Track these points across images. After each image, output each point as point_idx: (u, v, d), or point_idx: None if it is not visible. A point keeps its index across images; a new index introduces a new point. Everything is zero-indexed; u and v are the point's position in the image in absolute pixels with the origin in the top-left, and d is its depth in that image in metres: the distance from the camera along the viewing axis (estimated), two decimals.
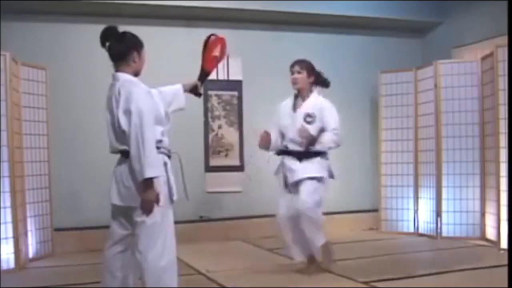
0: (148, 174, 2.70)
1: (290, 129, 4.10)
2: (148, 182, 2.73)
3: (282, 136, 4.20)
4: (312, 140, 4.01)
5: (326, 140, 4.02)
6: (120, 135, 2.82)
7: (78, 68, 5.54)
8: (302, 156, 4.06)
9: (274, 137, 4.18)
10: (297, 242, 4.13)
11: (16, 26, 5.35)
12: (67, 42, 5.53)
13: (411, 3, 6.34)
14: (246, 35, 6.08)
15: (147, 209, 2.77)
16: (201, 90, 3.38)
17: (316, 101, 4.14)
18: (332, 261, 4.19)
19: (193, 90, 3.35)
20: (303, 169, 4.03)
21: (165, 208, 2.88)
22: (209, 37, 3.38)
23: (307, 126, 4.02)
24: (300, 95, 4.19)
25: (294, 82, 4.14)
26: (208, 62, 3.37)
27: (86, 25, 5.40)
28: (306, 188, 3.99)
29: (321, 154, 4.09)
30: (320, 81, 4.23)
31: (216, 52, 3.38)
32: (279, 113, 4.25)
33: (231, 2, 5.69)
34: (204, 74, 3.36)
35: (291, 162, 4.09)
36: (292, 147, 4.11)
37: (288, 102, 4.25)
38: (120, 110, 2.78)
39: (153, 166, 2.73)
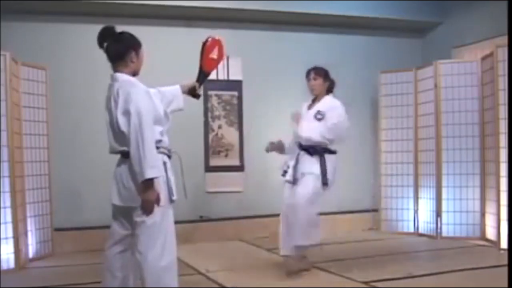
0: (148, 174, 2.70)
1: (303, 125, 4.29)
2: (149, 183, 2.73)
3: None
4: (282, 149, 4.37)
5: (311, 136, 4.19)
6: (119, 135, 2.82)
7: (78, 68, 5.54)
8: (315, 152, 4.20)
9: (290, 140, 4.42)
10: (286, 236, 4.19)
11: (16, 26, 5.35)
12: (67, 42, 5.54)
13: (411, 3, 6.34)
14: (246, 35, 6.09)
15: (148, 209, 2.77)
16: (200, 92, 3.38)
17: (329, 101, 4.37)
18: (305, 264, 4.26)
19: (192, 92, 3.34)
20: (305, 164, 4.19)
21: (165, 208, 2.87)
22: (206, 40, 3.37)
23: (316, 122, 4.22)
24: (316, 99, 4.42)
25: (312, 89, 4.38)
26: (206, 64, 3.36)
27: (86, 25, 5.39)
28: (303, 183, 4.13)
29: (331, 151, 4.25)
30: (333, 85, 4.47)
31: (214, 55, 3.38)
32: (302, 110, 4.46)
33: (231, 2, 5.70)
34: (202, 76, 3.36)
35: (305, 158, 4.23)
36: (306, 143, 4.27)
37: (306, 103, 4.49)
38: (119, 110, 2.78)
39: (153, 166, 2.72)
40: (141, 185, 2.74)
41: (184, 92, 3.30)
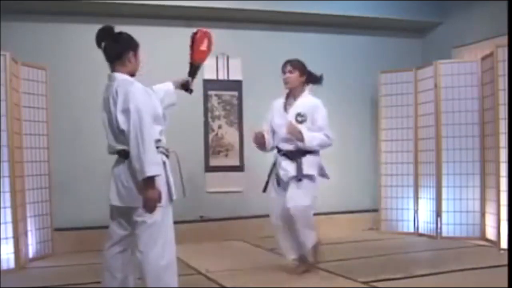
0: (149, 172, 2.70)
1: (281, 128, 4.10)
2: (150, 181, 2.73)
3: (274, 134, 4.22)
4: (301, 137, 3.99)
5: (312, 140, 4.01)
6: (119, 135, 2.82)
7: (78, 68, 5.54)
8: (294, 155, 4.07)
9: (268, 137, 4.21)
10: (288, 240, 4.15)
11: (16, 26, 5.35)
12: (67, 42, 5.53)
13: (411, 3, 6.34)
14: (246, 35, 6.09)
15: (150, 208, 2.77)
16: (193, 86, 3.42)
17: (307, 100, 4.17)
18: (318, 262, 4.23)
19: (184, 86, 3.38)
20: (293, 167, 4.04)
21: (165, 208, 2.88)
22: (195, 33, 3.44)
23: (299, 125, 4.03)
24: (291, 94, 4.21)
25: (286, 82, 4.16)
26: (197, 56, 3.41)
27: (86, 25, 5.37)
28: (295, 186, 4.02)
29: (312, 152, 4.09)
30: (312, 79, 4.26)
31: (204, 47, 3.44)
32: (272, 112, 4.28)
33: (231, 2, 5.70)
34: (193, 69, 3.41)
35: (284, 162, 4.10)
36: (284, 147, 4.12)
37: (280, 101, 4.27)
38: (118, 109, 2.78)
39: (154, 164, 2.73)
40: (142, 184, 2.74)
41: (176, 88, 3.33)
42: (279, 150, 4.17)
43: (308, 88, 4.25)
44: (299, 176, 4.01)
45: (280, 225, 4.17)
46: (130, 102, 2.75)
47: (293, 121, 4.05)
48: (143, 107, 2.75)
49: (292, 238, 4.11)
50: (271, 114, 4.26)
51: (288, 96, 4.23)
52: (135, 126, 2.71)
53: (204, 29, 3.48)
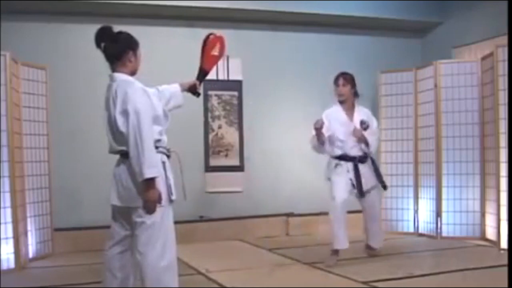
0: (147, 174, 2.70)
1: (348, 135, 4.45)
2: (150, 182, 2.73)
3: (331, 141, 4.49)
4: (367, 141, 4.45)
5: (373, 144, 4.53)
6: (118, 135, 2.82)
7: (78, 68, 5.54)
8: (364, 160, 4.50)
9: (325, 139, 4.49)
10: (344, 230, 4.44)
11: (16, 26, 5.35)
12: (67, 42, 5.53)
13: (411, 3, 6.34)
14: (246, 35, 6.09)
15: (150, 209, 2.77)
16: (200, 90, 3.38)
17: (363, 109, 4.65)
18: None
19: (192, 89, 3.34)
20: (370, 177, 4.52)
21: (165, 208, 2.87)
22: (208, 36, 3.38)
23: (363, 132, 4.45)
24: (346, 105, 4.56)
25: (341, 94, 4.52)
26: (208, 61, 3.36)
27: (86, 25, 5.37)
28: (375, 193, 4.62)
29: (372, 159, 4.59)
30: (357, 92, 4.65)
31: (215, 52, 3.38)
32: (329, 120, 4.46)
33: (232, 2, 5.70)
34: (203, 74, 3.36)
35: (361, 167, 4.47)
36: (354, 152, 4.47)
37: (335, 109, 4.57)
38: (117, 110, 2.78)
39: (152, 166, 2.72)
40: (142, 185, 2.74)
41: (184, 90, 3.30)
42: (348, 157, 4.46)
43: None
44: (383, 184, 4.59)
45: (341, 218, 4.42)
46: (128, 103, 2.74)
47: (359, 128, 4.45)
48: (142, 108, 2.75)
49: (370, 232, 4.71)
50: (328, 122, 4.45)
51: (343, 105, 4.56)
52: (134, 128, 2.71)
53: (218, 34, 3.41)
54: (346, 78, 4.51)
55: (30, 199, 4.89)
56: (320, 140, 4.36)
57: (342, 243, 4.46)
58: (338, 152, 4.47)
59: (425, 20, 6.51)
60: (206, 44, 3.35)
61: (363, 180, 4.44)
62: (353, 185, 4.44)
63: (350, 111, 4.56)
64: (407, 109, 6.04)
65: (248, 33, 6.13)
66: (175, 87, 3.28)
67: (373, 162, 4.59)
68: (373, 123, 4.61)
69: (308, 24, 6.33)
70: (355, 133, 4.43)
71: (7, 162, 4.49)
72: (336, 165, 4.48)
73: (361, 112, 4.59)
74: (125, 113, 2.75)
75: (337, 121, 4.50)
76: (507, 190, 4.74)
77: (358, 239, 5.70)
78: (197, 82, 3.33)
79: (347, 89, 4.50)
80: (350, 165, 4.45)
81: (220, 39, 3.40)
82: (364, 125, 4.44)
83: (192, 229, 5.69)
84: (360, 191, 4.45)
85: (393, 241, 5.66)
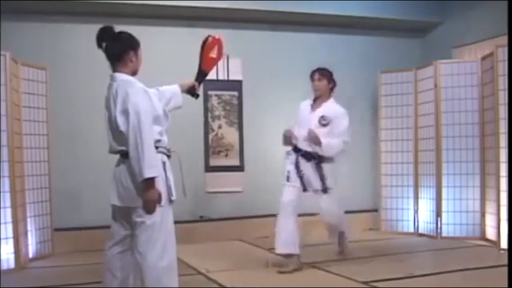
0: (147, 174, 2.70)
1: (304, 128, 4.30)
2: (150, 182, 2.73)
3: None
4: (319, 142, 4.21)
5: (329, 149, 4.24)
6: (118, 135, 2.82)
7: (78, 68, 5.54)
8: (311, 157, 4.29)
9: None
10: (288, 235, 4.25)
11: (16, 26, 5.35)
12: (67, 42, 5.53)
13: (411, 3, 6.33)
14: (246, 35, 6.09)
15: (150, 209, 2.77)
16: (199, 91, 3.38)
17: (333, 106, 4.43)
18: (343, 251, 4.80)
19: (190, 91, 3.34)
20: (314, 179, 4.28)
21: (164, 208, 2.87)
22: (206, 39, 3.39)
23: (321, 128, 4.27)
24: (319, 99, 4.46)
25: (316, 89, 4.44)
26: (206, 63, 3.37)
27: (86, 25, 5.38)
28: (326, 198, 4.35)
29: (329, 159, 4.33)
30: (335, 86, 4.55)
31: (213, 54, 3.39)
32: (299, 111, 4.50)
33: (232, 2, 5.70)
34: (201, 75, 3.37)
35: (305, 164, 4.30)
36: (304, 147, 4.31)
37: (308, 102, 4.52)
38: (117, 110, 2.78)
39: (152, 166, 2.72)
40: (142, 185, 2.74)
41: (183, 91, 3.31)
42: (298, 150, 4.34)
43: (334, 96, 4.52)
44: (324, 189, 4.32)
45: (286, 220, 4.25)
46: (129, 103, 2.74)
47: (316, 123, 4.29)
48: (142, 109, 2.75)
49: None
50: (298, 114, 4.48)
51: (316, 100, 4.48)
52: (134, 128, 2.71)
53: (217, 36, 3.42)
54: (322, 73, 4.44)
55: (30, 199, 4.89)
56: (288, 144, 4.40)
57: (282, 248, 4.27)
58: (294, 141, 4.39)
59: (425, 20, 6.51)
60: (205, 46, 3.37)
61: (304, 177, 4.28)
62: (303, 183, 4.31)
63: (319, 105, 4.43)
64: (407, 109, 6.04)
65: (248, 33, 6.13)
66: (175, 88, 3.29)
67: (319, 164, 4.29)
68: (341, 124, 4.32)
69: (308, 24, 6.32)
70: (307, 134, 4.24)
71: (7, 162, 4.49)
72: (288, 153, 4.43)
73: (328, 108, 4.38)
74: (125, 112, 2.75)
75: (302, 112, 4.47)
76: (507, 190, 4.75)
77: (358, 239, 5.71)
78: (196, 84, 3.34)
79: (323, 84, 4.42)
80: (294, 157, 4.35)
81: (219, 42, 3.41)
82: (324, 121, 4.30)
83: (192, 229, 5.69)
84: (302, 184, 4.29)
85: (393, 241, 5.67)
